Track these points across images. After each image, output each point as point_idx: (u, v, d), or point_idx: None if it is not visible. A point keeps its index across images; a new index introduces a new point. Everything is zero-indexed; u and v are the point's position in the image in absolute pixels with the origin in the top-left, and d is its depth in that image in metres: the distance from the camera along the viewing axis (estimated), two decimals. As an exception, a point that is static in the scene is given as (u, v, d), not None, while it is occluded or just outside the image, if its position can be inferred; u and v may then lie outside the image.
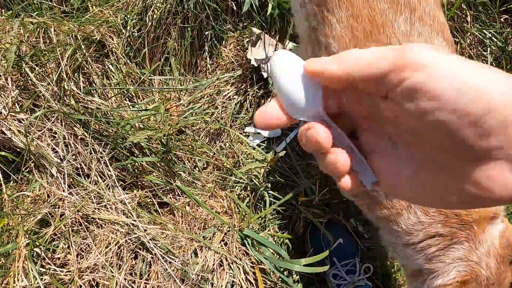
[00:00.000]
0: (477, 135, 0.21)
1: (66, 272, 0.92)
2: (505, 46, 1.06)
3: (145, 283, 0.94)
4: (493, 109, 0.21)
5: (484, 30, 1.04)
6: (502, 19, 1.13)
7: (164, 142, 1.11)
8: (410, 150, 0.26)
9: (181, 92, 1.29)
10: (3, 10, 1.34)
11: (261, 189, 1.13)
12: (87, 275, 0.90)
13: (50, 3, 1.35)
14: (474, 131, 0.21)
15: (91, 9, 1.37)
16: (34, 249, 0.93)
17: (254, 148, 1.21)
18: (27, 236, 0.94)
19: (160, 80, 1.30)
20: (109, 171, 1.06)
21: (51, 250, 0.96)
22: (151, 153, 1.13)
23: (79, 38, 1.19)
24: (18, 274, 0.89)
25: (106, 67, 1.25)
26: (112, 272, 0.88)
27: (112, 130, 1.10)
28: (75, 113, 1.10)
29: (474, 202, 0.24)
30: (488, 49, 1.04)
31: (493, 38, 1.07)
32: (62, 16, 1.34)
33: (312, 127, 0.27)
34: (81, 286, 0.87)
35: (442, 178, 0.25)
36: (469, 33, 1.06)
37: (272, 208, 1.10)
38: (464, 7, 1.09)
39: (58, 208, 1.00)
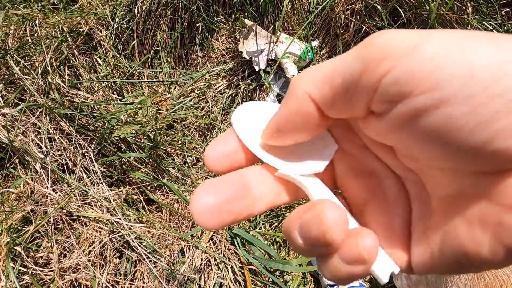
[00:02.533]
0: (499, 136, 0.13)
1: (48, 271, 0.89)
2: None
3: (129, 283, 0.91)
4: None
5: (484, 22, 0.99)
6: (503, 12, 1.09)
7: (152, 137, 1.07)
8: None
9: (171, 86, 1.25)
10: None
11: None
12: (68, 275, 0.86)
13: (37, -6, 1.31)
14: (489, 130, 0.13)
15: (80, 0, 1.33)
16: (15, 247, 0.90)
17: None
18: (8, 234, 0.91)
19: (150, 73, 1.27)
20: (94, 167, 1.03)
21: (33, 249, 0.93)
22: (138, 149, 1.09)
23: (65, 30, 1.15)
24: (-3, 274, 0.86)
25: (94, 60, 1.21)
26: (94, 272, 0.85)
27: (98, 124, 1.06)
28: (60, 107, 1.06)
29: None
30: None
31: (494, 31, 1.02)
32: (51, 8, 1.30)
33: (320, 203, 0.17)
34: (61, 286, 0.84)
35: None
36: (469, 25, 1.01)
37: (263, 206, 1.07)
38: (464, -3, 1.04)
39: (41, 205, 0.97)
